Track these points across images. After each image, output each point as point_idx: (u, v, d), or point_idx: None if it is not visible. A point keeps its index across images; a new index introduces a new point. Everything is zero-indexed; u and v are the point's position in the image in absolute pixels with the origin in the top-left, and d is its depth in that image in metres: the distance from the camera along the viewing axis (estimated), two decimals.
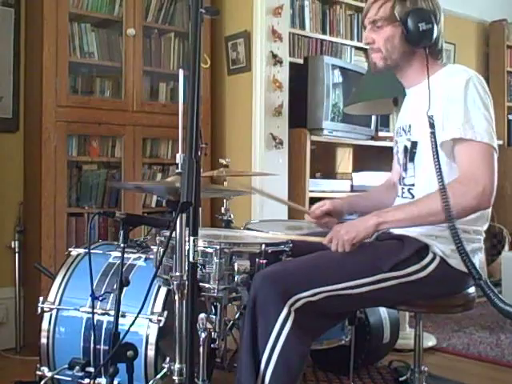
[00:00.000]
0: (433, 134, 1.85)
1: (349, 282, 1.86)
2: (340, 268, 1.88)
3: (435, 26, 1.94)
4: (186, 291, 1.62)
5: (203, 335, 1.94)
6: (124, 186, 3.56)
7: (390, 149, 2.31)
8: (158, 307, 2.18)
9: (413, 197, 2.03)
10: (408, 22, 1.93)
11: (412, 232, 1.94)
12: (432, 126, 1.85)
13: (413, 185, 2.04)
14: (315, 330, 1.92)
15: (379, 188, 2.43)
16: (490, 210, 1.99)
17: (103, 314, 2.23)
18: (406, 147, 2.07)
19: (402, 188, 2.10)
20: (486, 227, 2.02)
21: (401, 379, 2.85)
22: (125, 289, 1.96)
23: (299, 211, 3.73)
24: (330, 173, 4.30)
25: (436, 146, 1.84)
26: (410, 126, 2.06)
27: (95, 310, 2.20)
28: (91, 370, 2.16)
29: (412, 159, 2.03)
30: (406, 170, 2.08)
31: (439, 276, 1.90)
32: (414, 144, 2.02)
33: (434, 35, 1.95)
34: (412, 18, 1.93)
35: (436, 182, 1.84)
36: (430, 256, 1.92)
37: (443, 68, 2.02)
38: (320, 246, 1.96)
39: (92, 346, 2.21)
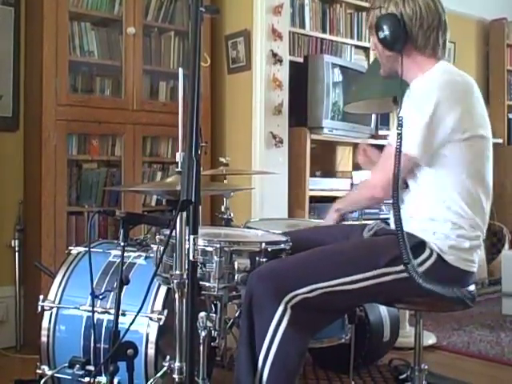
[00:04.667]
0: (399, 135, 1.87)
1: (345, 278, 1.87)
2: (336, 264, 1.90)
3: (398, 30, 1.96)
4: (186, 290, 1.63)
5: (203, 334, 1.95)
6: (122, 190, 3.55)
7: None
8: (158, 306, 2.18)
9: (407, 186, 2.08)
10: (377, 30, 2.00)
11: (409, 228, 1.95)
12: (400, 125, 1.88)
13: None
14: (312, 326, 1.92)
15: None
16: (487, 204, 2.01)
17: (103, 313, 2.23)
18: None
19: None
20: (485, 221, 2.02)
21: (401, 377, 2.85)
22: (125, 287, 1.96)
23: (299, 210, 3.75)
24: (329, 171, 4.30)
25: (400, 146, 1.87)
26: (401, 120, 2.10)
27: (95, 309, 2.20)
28: (91, 368, 2.16)
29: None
30: None
31: (436, 272, 1.91)
32: (400, 136, 2.06)
33: (400, 38, 1.97)
34: (378, 25, 1.99)
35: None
36: (427, 252, 1.92)
37: (433, 67, 2.02)
38: (317, 243, 1.98)
39: (92, 344, 2.21)
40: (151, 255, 2.33)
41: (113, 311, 2.02)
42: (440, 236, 1.92)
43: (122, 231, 2.06)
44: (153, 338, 2.15)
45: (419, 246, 1.93)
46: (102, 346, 2.21)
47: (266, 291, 1.80)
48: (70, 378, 2.22)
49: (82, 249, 2.49)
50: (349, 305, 2.16)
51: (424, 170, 1.96)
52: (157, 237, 2.09)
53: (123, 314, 2.05)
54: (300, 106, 3.85)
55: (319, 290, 1.84)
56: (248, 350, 1.80)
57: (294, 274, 1.86)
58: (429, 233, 1.93)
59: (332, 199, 3.92)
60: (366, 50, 4.56)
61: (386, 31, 1.96)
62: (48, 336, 2.31)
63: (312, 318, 1.88)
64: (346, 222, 2.38)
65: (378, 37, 1.99)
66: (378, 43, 2.03)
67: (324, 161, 4.37)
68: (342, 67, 4.04)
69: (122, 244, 2.04)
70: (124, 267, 2.08)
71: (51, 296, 2.35)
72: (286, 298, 1.81)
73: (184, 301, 1.65)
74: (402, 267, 1.89)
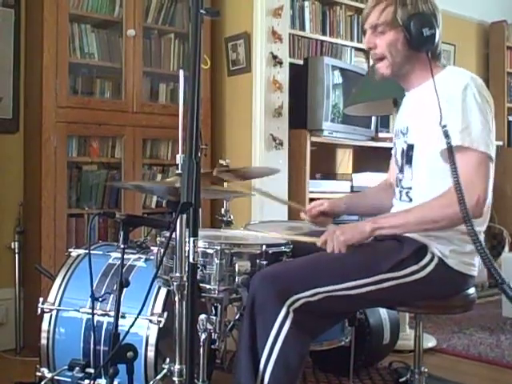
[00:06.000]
0: (449, 144, 1.80)
1: (348, 283, 1.86)
2: (339, 268, 1.88)
3: (437, 30, 1.94)
4: (186, 292, 1.62)
5: (203, 336, 1.95)
6: (124, 186, 3.55)
7: (390, 150, 2.31)
8: (158, 308, 2.18)
9: (410, 200, 2.03)
10: (411, 26, 1.92)
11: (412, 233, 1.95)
12: (446, 134, 1.81)
13: (410, 188, 2.04)
14: (314, 330, 1.92)
15: (376, 188, 2.43)
16: (489, 210, 1.98)
17: (103, 315, 2.23)
18: (403, 150, 2.07)
19: (400, 191, 2.09)
20: (485, 227, 2.02)
21: (401, 380, 2.84)
22: (125, 290, 1.96)
23: (299, 211, 3.74)
24: (330, 174, 4.30)
25: (453, 157, 1.74)
26: (407, 129, 2.05)
27: (95, 311, 2.20)
28: (91, 370, 2.16)
29: (409, 162, 2.03)
30: (402, 172, 2.07)
31: (438, 277, 1.90)
32: (411, 147, 2.01)
33: (437, 39, 1.95)
34: (415, 23, 1.92)
35: (432, 184, 1.87)
36: (429, 256, 1.91)
37: (442, 71, 2.01)
38: (320, 248, 1.96)
39: (92, 346, 2.21)
40: (151, 257, 2.33)
41: (113, 313, 2.02)
42: (441, 240, 1.91)
43: (122, 233, 2.06)
44: (153, 340, 2.15)
45: (421, 250, 1.92)
46: (102, 348, 2.20)
47: (269, 294, 1.80)
48: (69, 380, 2.22)
49: (81, 251, 2.49)
50: (351, 309, 2.15)
51: (431, 179, 1.91)
52: (157, 239, 2.09)
53: (123, 317, 2.05)
54: (300, 108, 3.85)
55: (322, 294, 1.83)
56: (249, 352, 1.79)
57: (297, 277, 1.85)
58: (431, 238, 1.92)
59: None
60: (366, 52, 4.55)
61: (426, 30, 1.91)
62: (48, 338, 2.31)
63: (314, 322, 1.87)
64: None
65: (409, 33, 1.92)
66: (399, 40, 1.96)
67: (324, 163, 4.37)
68: (341, 69, 4.04)
69: (122, 246, 2.04)
70: (124, 269, 2.08)
71: (51, 298, 2.35)
72: (289, 302, 1.80)
73: (184, 303, 1.65)
74: (405, 272, 1.89)
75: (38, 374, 2.30)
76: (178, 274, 1.65)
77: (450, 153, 1.77)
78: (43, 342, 2.31)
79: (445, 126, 1.81)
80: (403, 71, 2.04)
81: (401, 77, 2.08)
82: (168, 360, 2.04)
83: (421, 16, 1.94)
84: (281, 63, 3.73)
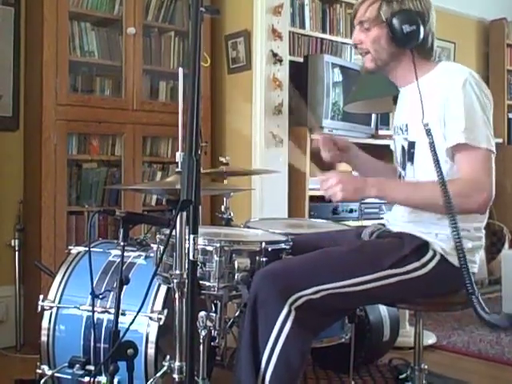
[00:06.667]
0: (431, 144, 1.84)
1: (349, 280, 1.86)
2: (340, 266, 1.89)
3: (421, 27, 1.93)
4: (185, 289, 1.63)
5: (203, 333, 1.95)
6: (123, 188, 3.56)
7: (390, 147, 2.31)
8: (158, 305, 2.18)
9: None
10: (393, 23, 1.93)
11: (412, 230, 1.95)
12: (428, 133, 1.84)
13: None
14: (315, 327, 1.92)
15: (389, 166, 2.40)
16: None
17: (103, 312, 2.24)
18: (403, 147, 2.07)
19: None
20: (485, 223, 2.02)
21: (401, 377, 2.85)
22: (125, 287, 1.96)
23: (299, 210, 3.74)
24: (330, 171, 4.29)
25: (436, 154, 1.83)
26: (406, 126, 2.05)
27: (95, 308, 2.20)
28: (91, 368, 2.17)
29: (411, 159, 2.03)
30: (404, 169, 2.07)
31: (439, 274, 1.90)
32: (412, 144, 2.01)
33: (421, 36, 1.94)
34: (397, 20, 1.92)
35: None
36: (430, 253, 1.91)
37: (437, 66, 2.00)
38: (320, 245, 1.97)
39: (92, 344, 2.21)
40: (151, 255, 2.33)
41: (113, 311, 2.02)
42: (443, 237, 1.90)
43: (121, 231, 2.06)
44: (153, 337, 2.16)
45: (422, 247, 1.92)
46: (102, 345, 2.21)
47: (271, 292, 1.79)
48: (69, 377, 2.22)
49: (81, 248, 2.49)
50: (352, 306, 2.15)
51: (432, 175, 1.90)
52: (157, 236, 2.09)
53: (123, 314, 2.05)
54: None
55: (324, 292, 1.83)
56: (250, 350, 1.79)
57: (299, 275, 1.85)
58: (432, 235, 1.92)
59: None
60: None
61: (406, 26, 1.90)
62: (48, 336, 2.31)
63: (316, 319, 1.87)
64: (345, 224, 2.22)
65: (391, 30, 1.93)
66: (383, 36, 1.96)
67: (324, 160, 4.36)
68: (341, 67, 4.04)
69: (122, 244, 2.04)
70: (124, 267, 2.08)
71: (51, 296, 2.35)
72: (291, 300, 1.80)
73: (184, 300, 1.65)
74: (407, 268, 1.89)
75: (39, 371, 2.30)
76: (177, 272, 1.65)
77: (433, 151, 1.82)
78: (43, 339, 2.32)
79: (427, 125, 1.84)
80: (388, 67, 2.05)
81: (387, 72, 2.08)
82: (168, 357, 2.04)
83: (404, 13, 1.93)
84: (281, 61, 3.73)
